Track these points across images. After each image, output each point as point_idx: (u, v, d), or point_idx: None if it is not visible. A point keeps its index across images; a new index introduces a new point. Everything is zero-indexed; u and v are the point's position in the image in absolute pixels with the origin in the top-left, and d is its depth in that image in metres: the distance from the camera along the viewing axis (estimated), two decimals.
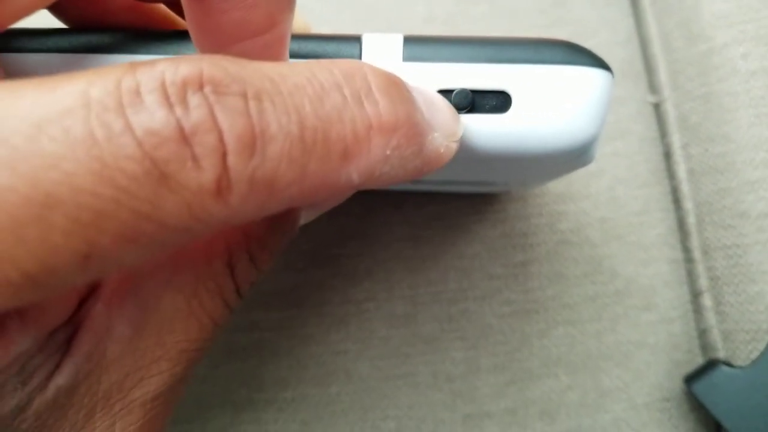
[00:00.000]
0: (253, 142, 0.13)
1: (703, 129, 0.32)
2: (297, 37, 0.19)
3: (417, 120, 0.16)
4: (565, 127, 0.18)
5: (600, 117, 0.19)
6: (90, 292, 0.18)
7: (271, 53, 0.17)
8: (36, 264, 0.11)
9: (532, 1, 0.34)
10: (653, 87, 0.34)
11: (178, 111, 0.12)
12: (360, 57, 0.19)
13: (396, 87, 0.16)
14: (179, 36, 0.19)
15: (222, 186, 0.12)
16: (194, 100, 0.12)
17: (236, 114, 0.12)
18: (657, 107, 0.34)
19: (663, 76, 0.33)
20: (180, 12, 0.22)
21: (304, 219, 0.21)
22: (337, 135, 0.14)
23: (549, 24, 0.34)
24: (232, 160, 0.12)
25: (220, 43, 0.16)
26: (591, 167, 0.32)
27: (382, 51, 0.19)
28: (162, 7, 0.22)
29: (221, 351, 0.29)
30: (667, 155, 0.33)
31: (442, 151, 0.17)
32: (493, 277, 0.31)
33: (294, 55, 0.19)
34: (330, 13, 0.34)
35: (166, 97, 0.12)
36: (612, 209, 0.32)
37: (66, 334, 0.17)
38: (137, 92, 0.12)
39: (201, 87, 0.12)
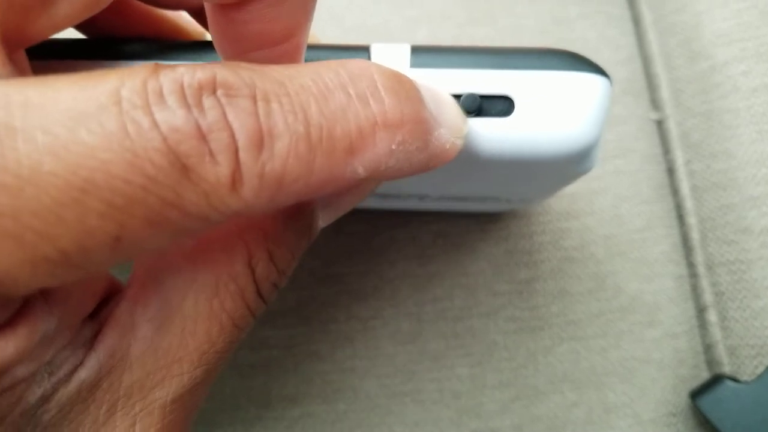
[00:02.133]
0: (261, 140, 0.14)
1: (705, 145, 0.32)
2: (308, 47, 0.20)
3: (423, 116, 0.17)
4: (565, 131, 0.19)
5: (599, 122, 0.19)
6: (116, 291, 0.19)
7: (287, 60, 0.18)
8: (73, 243, 0.12)
9: (533, 21, 0.35)
10: (655, 104, 0.34)
11: (195, 111, 0.13)
12: None
13: (403, 85, 0.16)
14: (202, 46, 0.20)
15: (236, 179, 0.13)
16: (208, 102, 0.13)
17: (246, 114, 0.13)
18: (659, 124, 0.34)
19: (665, 93, 0.34)
20: (203, 21, 0.23)
21: (323, 221, 0.22)
22: (342, 131, 0.15)
23: (550, 44, 0.34)
24: (243, 156, 0.13)
25: (240, 50, 0.18)
26: (594, 185, 0.32)
27: (390, 59, 0.19)
28: (185, 16, 0.23)
29: (229, 368, 0.30)
30: (670, 172, 0.33)
31: (447, 147, 0.17)
32: (497, 294, 0.31)
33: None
34: (333, 37, 0.34)
35: (185, 98, 0.13)
36: (616, 226, 0.32)
37: (93, 330, 0.17)
38: (161, 93, 0.13)
39: (214, 90, 0.13)
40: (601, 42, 0.35)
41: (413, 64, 0.19)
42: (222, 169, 0.13)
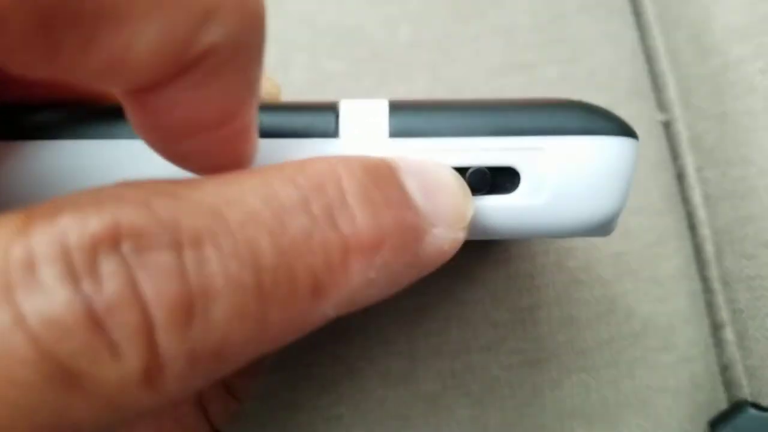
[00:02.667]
0: (189, 308, 0.10)
1: (719, 151, 0.29)
2: (265, 107, 0.16)
3: (410, 223, 0.13)
4: (580, 207, 0.16)
5: (623, 192, 0.16)
6: None
7: (231, 147, 0.14)
8: None
9: (527, 17, 0.31)
10: (662, 106, 0.31)
11: (86, 286, 0.09)
12: (336, 131, 0.16)
13: (380, 185, 0.13)
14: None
15: (151, 372, 0.10)
16: (108, 266, 0.09)
17: (165, 275, 0.10)
18: (667, 127, 0.31)
19: (672, 93, 0.31)
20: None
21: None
22: (304, 268, 0.11)
23: (547, 42, 0.31)
24: (162, 337, 0.10)
25: (167, 140, 0.13)
26: None
27: (364, 124, 0.16)
28: None
29: None
30: (680, 178, 0.31)
31: (446, 248, 0.14)
32: (498, 324, 0.28)
33: (260, 130, 0.16)
34: (307, 40, 0.31)
35: (70, 267, 0.09)
36: (624, 242, 0.29)
37: None
38: (31, 264, 0.09)
39: (117, 245, 0.09)
40: (600, 38, 0.32)
41: (394, 131, 0.16)
42: (129, 363, 0.09)
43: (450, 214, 0.14)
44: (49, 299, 0.09)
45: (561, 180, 0.16)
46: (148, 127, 0.13)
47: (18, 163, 0.16)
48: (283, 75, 0.30)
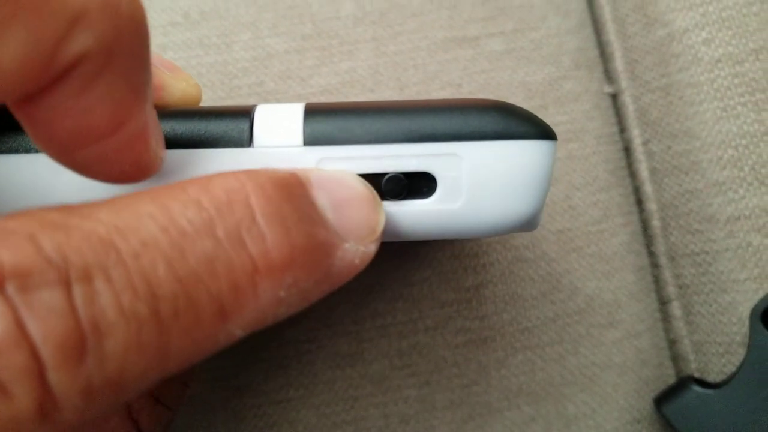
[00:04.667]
0: (81, 345, 0.10)
1: (664, 124, 0.29)
2: (175, 114, 0.16)
3: (321, 239, 0.13)
4: (497, 210, 0.16)
5: (540, 193, 0.16)
6: None
7: (129, 152, 0.13)
8: None
9: None
10: (610, 77, 0.31)
11: None
12: (251, 138, 0.16)
13: (290, 200, 0.13)
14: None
15: (46, 408, 0.09)
16: None
17: (53, 313, 0.09)
18: (614, 99, 0.31)
19: (619, 64, 0.30)
20: None
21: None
22: (207, 295, 0.11)
23: (493, 15, 0.30)
24: (53, 376, 0.09)
25: (64, 152, 0.13)
26: None
27: (278, 131, 0.16)
28: None
29: None
30: (628, 152, 0.30)
31: (357, 261, 0.14)
32: (444, 304, 0.28)
33: (170, 140, 0.15)
34: (249, 16, 0.30)
35: None
36: (569, 219, 0.29)
37: None
38: None
39: (1, 286, 0.09)
40: (548, 8, 0.31)
41: (308, 139, 0.15)
42: (20, 404, 0.09)
43: (361, 228, 0.14)
44: None
45: (477, 184, 0.16)
46: (42, 139, 0.13)
47: None
48: (227, 53, 0.30)
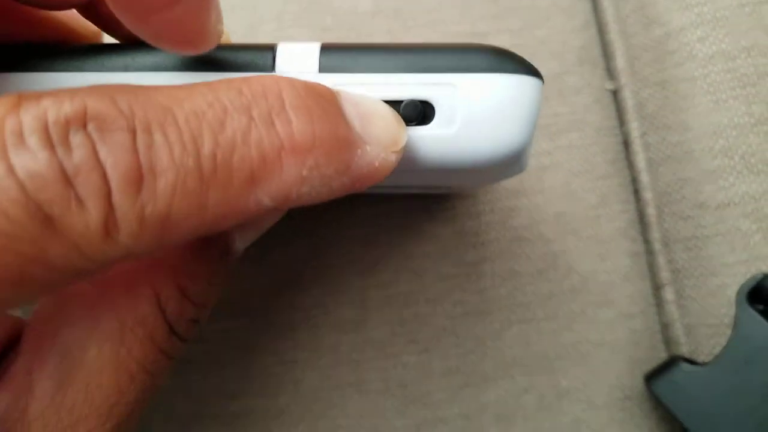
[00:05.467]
0: (139, 178, 0.12)
1: (660, 116, 0.31)
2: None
3: (341, 135, 0.15)
4: (488, 138, 0.17)
5: (528, 126, 0.18)
6: (10, 345, 0.17)
7: (193, 19, 0.16)
8: None
9: None
10: (611, 74, 0.33)
11: (60, 151, 0.12)
12: (273, 68, 0.18)
13: (317, 100, 0.15)
14: (94, 51, 0.18)
15: (109, 225, 0.12)
16: (77, 139, 0.12)
17: (121, 150, 0.12)
18: (615, 95, 0.32)
19: (620, 62, 0.32)
20: (96, 19, 0.21)
21: (242, 241, 0.20)
22: (240, 159, 0.13)
23: (501, 13, 0.32)
24: (117, 198, 0.12)
25: (137, 17, 0.15)
26: (545, 160, 0.31)
27: (296, 61, 0.18)
28: (76, 17, 0.21)
29: None
30: (626, 144, 0.32)
31: (377, 164, 0.16)
32: (445, 277, 0.30)
33: (203, 68, 0.18)
34: (274, 9, 0.32)
35: (49, 137, 0.12)
36: (567, 203, 0.31)
37: None
38: (20, 133, 0.12)
39: (84, 124, 0.12)
40: (554, 9, 0.33)
41: (323, 68, 0.18)
42: (91, 216, 0.12)
43: (383, 137, 0.16)
44: (33, 158, 0.11)
45: (470, 112, 0.18)
46: (120, 7, 0.15)
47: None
48: (252, 42, 0.32)
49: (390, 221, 0.30)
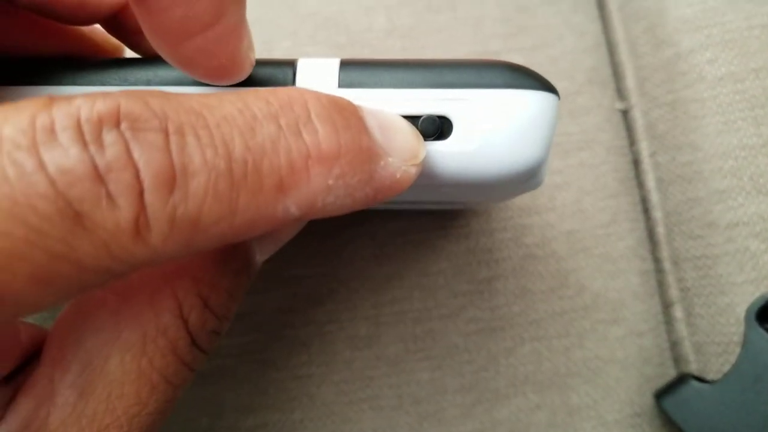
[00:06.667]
0: (172, 179, 0.12)
1: (670, 137, 0.31)
2: None
3: (365, 146, 0.15)
4: (506, 153, 0.18)
5: (545, 141, 0.18)
6: (33, 352, 0.17)
7: (226, 46, 0.16)
8: None
9: (495, 8, 0.33)
10: (621, 94, 0.33)
11: (92, 149, 0.12)
12: (294, 82, 0.18)
13: (341, 112, 0.15)
14: (116, 64, 0.19)
15: (140, 225, 0.12)
16: (110, 137, 0.12)
17: (154, 150, 0.12)
18: (625, 114, 0.33)
19: (630, 82, 0.33)
20: (118, 33, 0.21)
21: (261, 254, 0.20)
22: (270, 166, 0.14)
23: (513, 32, 0.33)
24: (149, 197, 0.12)
25: (171, 42, 0.16)
26: (557, 179, 0.31)
27: (317, 76, 0.18)
28: (99, 31, 0.21)
29: None
30: (636, 163, 0.32)
31: (398, 176, 0.16)
32: (458, 294, 0.30)
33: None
34: (290, 26, 0.33)
35: (81, 134, 0.12)
36: (579, 221, 0.31)
37: (5, 397, 0.16)
38: (52, 130, 0.11)
39: (117, 123, 0.12)
40: (565, 29, 0.33)
41: (343, 83, 0.18)
42: (123, 214, 0.12)
43: (404, 150, 0.17)
44: (64, 154, 0.11)
45: (488, 128, 0.18)
46: (153, 31, 0.16)
47: None
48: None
49: (405, 237, 0.30)
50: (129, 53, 0.22)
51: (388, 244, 0.31)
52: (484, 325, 0.30)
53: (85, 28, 0.21)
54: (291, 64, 0.18)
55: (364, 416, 0.29)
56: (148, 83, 0.18)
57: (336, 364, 0.29)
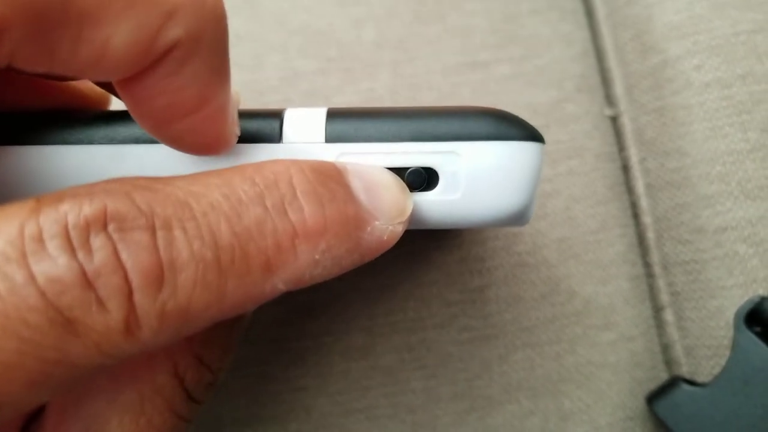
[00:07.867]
0: (160, 276, 0.13)
1: (658, 143, 0.31)
2: None
3: (351, 215, 0.16)
4: (491, 202, 0.18)
5: (530, 188, 0.19)
6: (34, 418, 0.18)
7: (211, 126, 0.16)
8: None
9: (484, 19, 0.34)
10: (610, 100, 0.33)
11: (81, 255, 0.12)
12: (280, 136, 0.18)
13: (326, 184, 0.15)
14: (106, 118, 0.19)
15: (131, 324, 0.12)
16: (97, 241, 0.12)
17: (141, 249, 0.12)
18: (614, 121, 0.33)
19: (619, 89, 0.33)
20: (105, 84, 0.21)
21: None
22: (257, 249, 0.14)
23: (502, 43, 0.33)
24: (138, 297, 0.12)
25: (157, 125, 0.16)
26: (546, 187, 0.32)
27: (303, 130, 0.18)
28: (88, 84, 0.21)
29: None
30: (625, 170, 0.33)
31: (385, 238, 0.17)
32: (451, 303, 0.31)
33: None
34: (279, 40, 0.33)
35: (69, 241, 0.12)
36: (569, 229, 0.31)
37: None
38: (40, 239, 0.12)
39: (105, 226, 0.12)
40: (554, 37, 0.34)
41: (329, 137, 0.18)
42: (113, 316, 0.12)
43: (390, 209, 0.17)
44: (53, 263, 0.12)
45: (474, 179, 0.18)
46: (142, 114, 0.16)
47: (8, 167, 0.18)
48: (258, 73, 0.33)
49: (398, 249, 0.31)
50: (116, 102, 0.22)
51: (381, 256, 0.31)
52: (477, 333, 0.30)
53: (74, 81, 0.21)
54: (278, 116, 0.19)
55: (360, 426, 0.29)
56: (137, 141, 0.18)
57: (331, 375, 0.30)
